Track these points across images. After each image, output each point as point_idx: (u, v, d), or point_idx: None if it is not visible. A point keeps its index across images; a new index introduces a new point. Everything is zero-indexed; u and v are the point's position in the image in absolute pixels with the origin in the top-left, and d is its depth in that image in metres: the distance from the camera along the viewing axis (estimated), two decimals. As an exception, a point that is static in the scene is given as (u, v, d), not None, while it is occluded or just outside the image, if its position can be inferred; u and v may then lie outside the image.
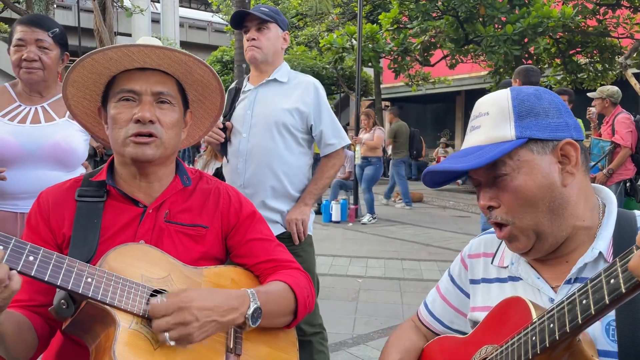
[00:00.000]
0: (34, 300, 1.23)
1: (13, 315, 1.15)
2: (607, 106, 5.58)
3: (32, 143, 2.04)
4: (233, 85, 2.64)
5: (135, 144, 1.26)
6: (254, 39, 2.42)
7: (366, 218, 8.62)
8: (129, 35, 28.60)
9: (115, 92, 1.29)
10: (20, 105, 2.11)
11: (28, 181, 2.04)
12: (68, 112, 2.17)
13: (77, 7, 17.52)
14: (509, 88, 1.10)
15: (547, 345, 0.85)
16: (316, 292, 2.53)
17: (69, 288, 1.08)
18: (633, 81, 9.59)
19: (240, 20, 2.45)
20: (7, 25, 17.51)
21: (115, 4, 11.82)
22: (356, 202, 9.29)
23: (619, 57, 11.31)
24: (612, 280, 0.76)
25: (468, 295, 1.27)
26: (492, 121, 1.05)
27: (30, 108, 2.11)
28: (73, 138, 2.10)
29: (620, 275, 0.75)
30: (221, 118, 2.52)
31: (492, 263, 1.20)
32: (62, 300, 1.12)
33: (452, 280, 1.32)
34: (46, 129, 2.07)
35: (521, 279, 1.11)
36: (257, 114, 2.42)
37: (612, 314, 0.95)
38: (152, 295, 1.16)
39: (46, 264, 1.06)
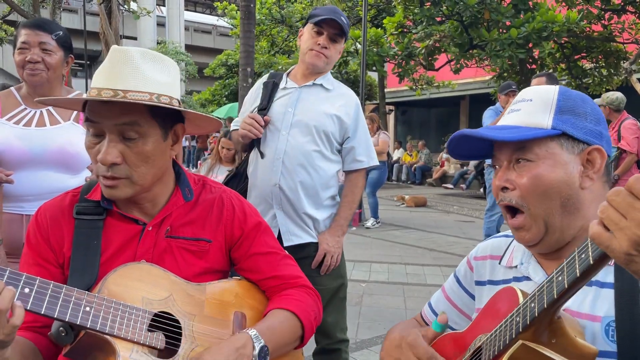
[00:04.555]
0: (37, 322, 1.19)
1: (17, 345, 1.11)
2: (608, 113, 5.58)
3: (37, 146, 2.04)
4: (267, 79, 2.50)
5: (105, 186, 1.20)
6: (325, 47, 2.34)
7: (370, 222, 8.60)
8: (135, 38, 28.76)
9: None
10: (25, 109, 2.12)
11: (33, 183, 2.05)
12: (74, 115, 2.18)
13: (84, 10, 17.63)
14: (558, 85, 1.13)
15: (528, 322, 0.88)
16: (344, 295, 2.48)
17: (67, 320, 1.05)
18: (638, 86, 9.56)
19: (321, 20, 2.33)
20: (13, 29, 17.63)
21: (121, 8, 11.89)
22: (360, 206, 9.28)
23: (624, 63, 11.29)
24: (582, 255, 0.80)
25: (473, 297, 1.28)
26: (533, 107, 1.09)
27: (36, 111, 2.12)
28: (78, 141, 2.10)
29: (589, 249, 0.79)
30: (254, 109, 2.41)
31: (500, 263, 1.21)
32: (61, 328, 1.10)
33: (458, 281, 1.33)
34: (51, 132, 2.08)
35: (526, 278, 1.13)
36: (300, 114, 2.34)
37: (612, 315, 0.96)
38: (153, 319, 1.14)
39: (42, 295, 1.03)
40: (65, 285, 1.07)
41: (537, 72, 11.79)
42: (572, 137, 1.05)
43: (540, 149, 1.05)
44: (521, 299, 0.95)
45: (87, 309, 1.07)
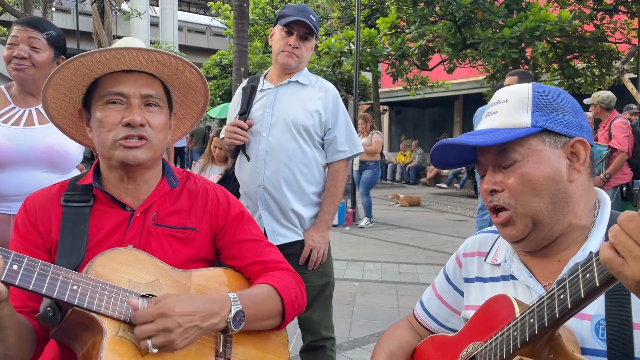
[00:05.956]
0: (27, 307, 1.22)
1: (14, 314, 1.13)
2: (599, 112, 5.61)
3: (25, 145, 2.03)
4: (246, 83, 2.55)
5: (125, 148, 1.23)
6: (296, 47, 2.36)
7: (364, 222, 8.61)
8: (128, 38, 28.63)
9: (101, 95, 1.26)
10: (14, 108, 2.10)
11: (21, 183, 2.03)
12: None
13: (76, 10, 17.54)
14: (531, 82, 1.13)
15: (527, 339, 0.87)
16: (330, 293, 2.50)
17: (54, 296, 1.06)
18: (630, 86, 9.62)
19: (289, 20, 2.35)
20: (5, 29, 17.54)
21: (114, 8, 11.84)
22: (354, 205, 9.29)
23: (616, 62, 11.35)
24: (587, 275, 0.78)
25: (462, 294, 1.27)
26: (510, 108, 1.08)
27: (25, 110, 2.11)
28: (67, 141, 2.07)
29: (595, 269, 0.77)
30: (236, 116, 2.45)
31: (485, 261, 1.21)
32: (48, 308, 1.11)
33: (447, 278, 1.33)
34: (40, 131, 2.07)
35: (513, 277, 1.12)
36: (278, 113, 2.36)
37: (602, 314, 0.96)
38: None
39: (30, 272, 1.04)
40: (53, 264, 1.08)
41: (530, 72, 11.87)
42: (553, 132, 1.05)
43: (524, 148, 1.04)
44: (517, 310, 0.94)
45: (75, 287, 1.08)
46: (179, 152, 14.11)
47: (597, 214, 1.08)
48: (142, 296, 1.16)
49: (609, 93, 5.63)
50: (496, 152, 1.07)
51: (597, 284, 0.76)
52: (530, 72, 5.12)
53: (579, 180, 1.05)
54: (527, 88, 1.09)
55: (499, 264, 1.16)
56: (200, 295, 1.19)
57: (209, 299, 1.18)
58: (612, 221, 1.06)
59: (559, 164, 1.04)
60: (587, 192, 1.08)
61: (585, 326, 0.97)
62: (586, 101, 5.82)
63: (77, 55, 1.22)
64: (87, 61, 1.22)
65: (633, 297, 0.94)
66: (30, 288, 1.04)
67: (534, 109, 1.06)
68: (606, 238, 1.03)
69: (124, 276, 1.16)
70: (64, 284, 1.07)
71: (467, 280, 1.25)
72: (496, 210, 1.09)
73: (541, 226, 1.04)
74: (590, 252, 1.01)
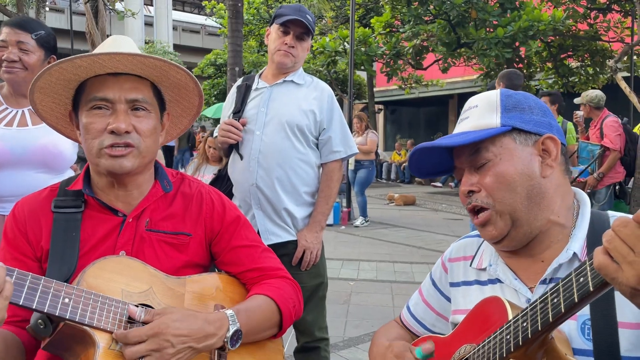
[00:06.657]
0: (17, 316, 1.19)
1: (0, 333, 1.10)
2: (589, 111, 5.64)
3: (19, 146, 2.02)
4: (241, 82, 2.54)
5: (111, 157, 1.20)
6: (292, 47, 2.37)
7: (359, 221, 8.62)
8: (122, 38, 28.47)
9: (86, 100, 1.22)
10: (7, 108, 2.10)
11: (16, 184, 2.03)
12: None
13: (70, 10, 17.47)
14: (499, 89, 1.17)
15: (520, 343, 0.87)
16: (323, 294, 2.50)
17: (45, 311, 1.04)
18: (623, 84, 9.66)
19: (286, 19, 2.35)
20: (-1, 28, 17.42)
21: (107, 7, 11.79)
22: (349, 205, 9.30)
23: (609, 61, 11.40)
24: (581, 279, 0.78)
25: (449, 299, 1.28)
26: (480, 112, 1.12)
27: (17, 111, 2.10)
28: (61, 141, 2.09)
29: (589, 273, 0.77)
30: (230, 114, 2.45)
31: (470, 266, 1.22)
32: (39, 320, 1.08)
33: (434, 284, 1.33)
34: (33, 132, 2.06)
35: (500, 281, 1.13)
36: (272, 112, 2.36)
37: (587, 313, 0.96)
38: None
39: (20, 286, 1.02)
40: (43, 277, 1.06)
41: (524, 71, 11.92)
42: (523, 130, 1.08)
43: (495, 147, 1.08)
44: (510, 314, 0.94)
45: (66, 300, 1.06)
46: (169, 151, 13.94)
47: (578, 214, 1.09)
48: (137, 306, 1.15)
49: (598, 92, 5.65)
50: (470, 154, 1.10)
51: (591, 289, 0.76)
52: (519, 71, 5.10)
53: (552, 176, 1.07)
54: (495, 93, 1.14)
55: (485, 269, 1.17)
56: (197, 315, 1.15)
57: (206, 319, 1.15)
58: (593, 221, 1.07)
59: (531, 161, 1.07)
60: (562, 189, 1.09)
61: (571, 326, 0.97)
62: (576, 101, 5.84)
63: (57, 62, 1.19)
64: (69, 66, 1.19)
65: (617, 295, 0.94)
66: (21, 303, 1.01)
67: (502, 111, 1.10)
68: (588, 238, 1.04)
69: (117, 286, 1.14)
70: (55, 297, 1.05)
71: (453, 285, 1.26)
72: (475, 211, 1.11)
73: (520, 222, 1.06)
74: (574, 253, 1.03)
